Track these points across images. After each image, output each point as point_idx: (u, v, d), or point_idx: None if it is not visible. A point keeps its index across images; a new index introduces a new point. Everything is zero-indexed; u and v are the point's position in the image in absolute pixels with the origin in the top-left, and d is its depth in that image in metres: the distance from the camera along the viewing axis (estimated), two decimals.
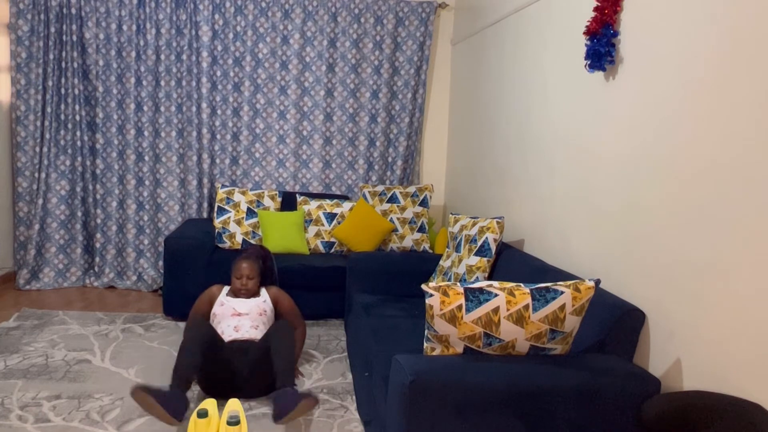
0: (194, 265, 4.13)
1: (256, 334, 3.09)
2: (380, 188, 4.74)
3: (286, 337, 2.89)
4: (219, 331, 3.10)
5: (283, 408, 2.49)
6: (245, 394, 2.96)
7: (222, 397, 2.94)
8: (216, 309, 3.22)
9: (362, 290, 3.70)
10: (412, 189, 4.73)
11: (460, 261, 3.28)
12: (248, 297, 3.26)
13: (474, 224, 3.34)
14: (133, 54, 4.85)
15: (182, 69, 4.93)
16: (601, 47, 2.57)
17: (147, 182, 5.02)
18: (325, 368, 3.44)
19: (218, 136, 5.05)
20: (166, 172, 5.03)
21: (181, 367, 2.68)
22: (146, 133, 4.97)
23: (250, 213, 4.61)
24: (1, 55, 4.74)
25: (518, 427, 1.94)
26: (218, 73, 4.97)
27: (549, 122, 3.21)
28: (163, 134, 4.99)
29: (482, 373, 1.96)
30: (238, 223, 4.55)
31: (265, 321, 3.20)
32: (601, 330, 2.24)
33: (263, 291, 3.37)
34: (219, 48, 4.95)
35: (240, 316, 3.15)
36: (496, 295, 2.03)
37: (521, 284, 2.09)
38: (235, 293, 3.27)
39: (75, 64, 4.81)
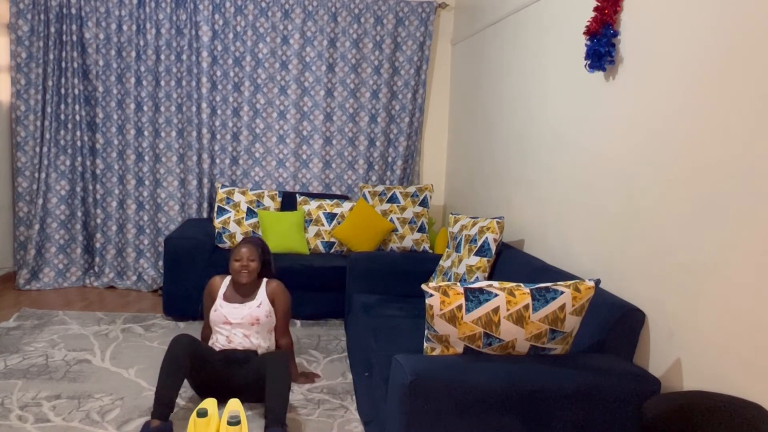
0: (194, 265, 4.13)
1: (250, 343, 3.00)
2: (380, 188, 4.74)
3: (282, 372, 2.73)
4: (213, 339, 3.04)
5: None
6: (243, 399, 2.91)
7: (219, 399, 2.89)
8: (211, 313, 3.10)
9: (362, 290, 3.69)
10: (412, 189, 4.73)
11: (460, 261, 3.28)
12: (248, 279, 3.07)
13: (474, 224, 3.34)
14: (133, 54, 4.85)
15: (182, 69, 4.93)
16: (601, 47, 2.57)
17: (147, 182, 5.02)
18: (325, 368, 3.44)
19: (218, 136, 5.05)
20: (166, 172, 5.03)
21: (162, 390, 2.64)
22: (146, 133, 4.97)
23: (250, 213, 4.61)
24: (1, 55, 4.74)
25: (518, 427, 1.94)
26: (218, 73, 4.97)
27: (549, 122, 3.21)
28: (163, 134, 4.99)
29: (482, 373, 1.96)
30: (238, 223, 4.55)
31: (259, 329, 3.05)
32: (601, 330, 2.24)
33: (262, 286, 3.15)
34: (219, 48, 4.95)
35: (231, 325, 3.02)
36: (496, 295, 2.03)
37: (521, 284, 2.09)
38: (234, 278, 3.09)
39: (75, 64, 4.80)
